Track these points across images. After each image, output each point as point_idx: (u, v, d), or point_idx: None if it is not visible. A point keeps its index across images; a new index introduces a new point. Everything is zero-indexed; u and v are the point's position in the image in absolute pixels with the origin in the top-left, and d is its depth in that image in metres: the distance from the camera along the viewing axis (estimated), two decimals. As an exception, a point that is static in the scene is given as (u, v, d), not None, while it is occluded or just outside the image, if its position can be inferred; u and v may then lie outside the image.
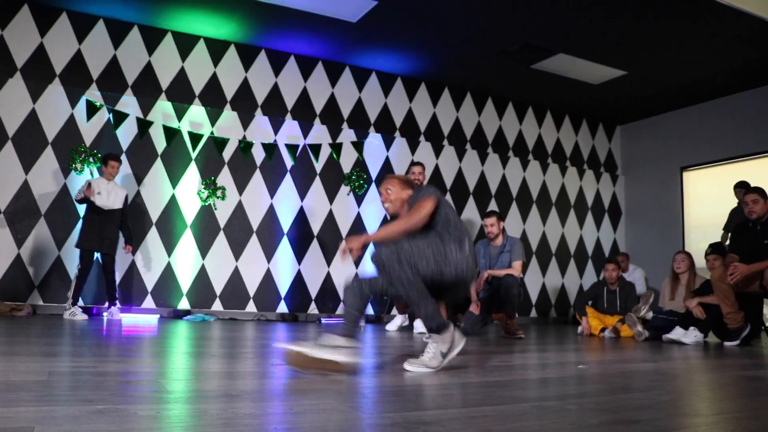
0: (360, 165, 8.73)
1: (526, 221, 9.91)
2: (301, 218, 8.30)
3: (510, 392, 2.56)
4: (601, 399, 2.48)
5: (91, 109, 7.33)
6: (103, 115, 7.43)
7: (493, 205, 9.52)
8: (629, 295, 7.08)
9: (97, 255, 6.82)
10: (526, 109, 10.24)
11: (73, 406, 1.94)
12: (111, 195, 6.69)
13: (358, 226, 8.58)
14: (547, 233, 10.09)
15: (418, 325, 6.49)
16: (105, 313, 6.89)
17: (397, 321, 6.55)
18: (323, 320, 7.73)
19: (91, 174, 7.28)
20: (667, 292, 7.08)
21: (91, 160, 7.30)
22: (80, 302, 6.78)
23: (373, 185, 8.76)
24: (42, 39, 7.32)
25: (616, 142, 11.14)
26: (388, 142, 8.99)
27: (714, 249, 6.68)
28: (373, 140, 8.89)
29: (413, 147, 9.16)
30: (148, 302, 7.46)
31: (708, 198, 9.73)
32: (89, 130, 7.38)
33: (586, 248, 10.47)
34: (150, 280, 7.50)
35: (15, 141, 7.06)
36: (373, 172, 8.82)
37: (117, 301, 6.86)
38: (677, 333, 6.05)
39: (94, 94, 7.43)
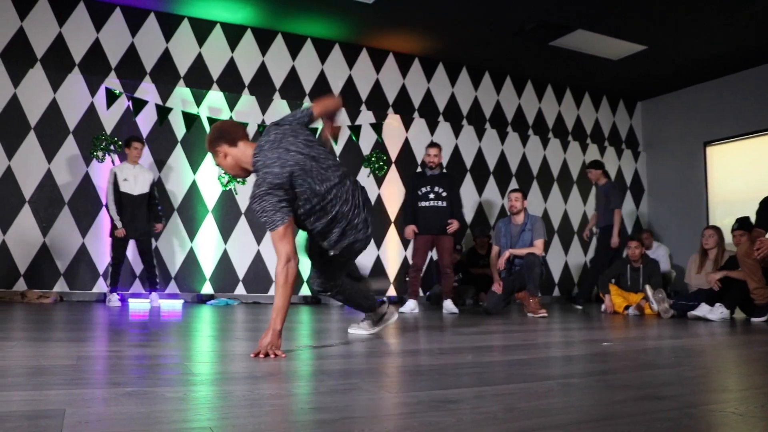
0: (379, 146, 8.70)
1: (547, 200, 9.84)
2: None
3: (534, 370, 2.55)
4: (626, 375, 2.47)
5: (111, 97, 7.36)
6: (123, 103, 7.47)
7: (513, 184, 9.46)
8: (653, 272, 7.02)
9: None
10: (546, 87, 10.14)
11: (103, 389, 1.97)
12: (138, 180, 6.70)
13: (379, 207, 8.58)
14: (568, 211, 10.02)
15: (448, 306, 6.50)
16: (146, 300, 6.94)
17: (410, 304, 6.54)
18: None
19: (113, 162, 7.33)
20: (694, 268, 7.02)
21: (111, 147, 7.35)
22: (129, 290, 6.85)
23: (393, 167, 8.74)
24: (60, 29, 7.35)
25: (637, 119, 11.00)
26: (407, 123, 8.95)
27: (741, 224, 6.59)
28: (392, 121, 8.86)
29: (432, 127, 9.11)
30: (172, 287, 7.53)
31: (732, 173, 9.60)
32: (109, 118, 7.42)
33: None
34: (173, 265, 7.56)
35: (37, 131, 7.12)
36: (393, 153, 8.80)
37: (158, 287, 6.90)
38: (703, 309, 5.99)
39: (113, 82, 7.47)
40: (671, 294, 6.99)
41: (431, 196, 6.67)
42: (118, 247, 6.63)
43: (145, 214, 6.75)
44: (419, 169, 7.54)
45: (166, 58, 7.80)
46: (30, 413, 1.58)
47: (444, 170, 7.16)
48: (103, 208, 7.18)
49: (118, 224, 6.53)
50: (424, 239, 6.67)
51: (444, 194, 6.67)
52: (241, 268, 7.84)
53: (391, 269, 8.61)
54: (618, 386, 2.20)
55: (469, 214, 9.21)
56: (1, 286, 6.84)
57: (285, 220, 2.86)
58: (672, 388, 2.17)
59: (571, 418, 1.68)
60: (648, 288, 6.65)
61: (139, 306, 6.50)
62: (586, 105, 10.49)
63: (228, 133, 3.02)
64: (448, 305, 6.53)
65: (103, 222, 7.23)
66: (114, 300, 6.54)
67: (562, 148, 10.11)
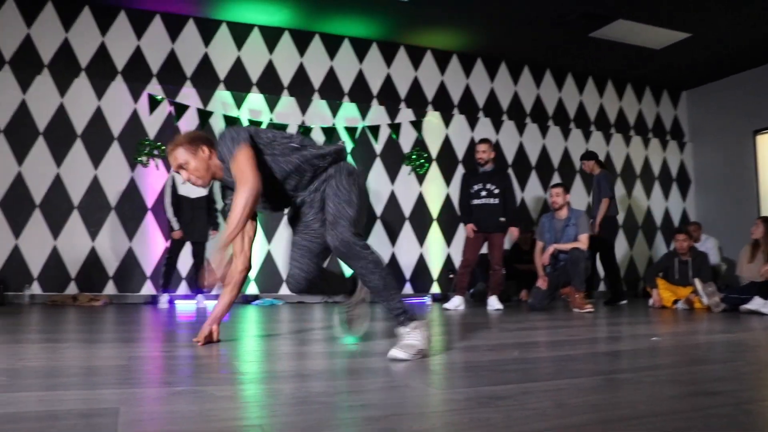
0: (420, 144, 8.69)
1: (590, 194, 9.70)
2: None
3: (581, 365, 2.52)
4: (676, 371, 2.42)
5: (153, 103, 7.49)
6: (165, 108, 7.59)
7: (556, 179, 9.35)
8: (702, 265, 6.87)
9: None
10: (587, 80, 9.99)
11: (154, 388, 2.00)
12: None
13: (421, 205, 8.56)
14: (613, 205, 9.86)
15: (493, 302, 6.46)
16: (193, 301, 7.05)
17: (456, 301, 6.51)
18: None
19: (157, 167, 7.45)
20: (745, 260, 6.86)
21: (155, 152, 7.47)
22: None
23: (434, 164, 8.71)
24: (103, 37, 7.51)
25: (682, 109, 10.78)
26: (447, 120, 8.92)
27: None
28: (432, 118, 8.83)
29: (472, 123, 9.06)
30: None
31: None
32: (152, 123, 7.55)
33: (654, 219, 10.20)
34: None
35: (84, 138, 7.28)
36: (433, 150, 8.77)
37: (205, 289, 6.99)
38: (756, 303, 5.84)
39: (155, 88, 7.59)
40: (722, 287, 6.83)
41: (483, 193, 6.64)
42: (176, 249, 6.74)
43: (204, 217, 6.85)
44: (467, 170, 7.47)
45: (205, 62, 7.90)
46: (85, 412, 1.61)
47: (498, 166, 7.07)
48: (149, 212, 7.32)
49: (175, 226, 6.65)
50: (476, 237, 6.64)
51: (496, 191, 6.62)
52: (285, 268, 7.88)
53: (434, 267, 8.58)
54: (669, 382, 2.16)
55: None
56: (54, 290, 7.03)
57: (244, 134, 2.84)
58: (726, 383, 2.12)
59: (622, 414, 1.65)
60: (698, 281, 6.52)
61: (185, 307, 6.60)
62: (629, 96, 10.31)
63: (208, 139, 3.05)
64: (493, 302, 6.49)
65: (150, 226, 7.36)
66: (164, 301, 6.66)
67: (604, 141, 9.95)
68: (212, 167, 3.02)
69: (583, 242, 6.35)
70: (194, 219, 6.74)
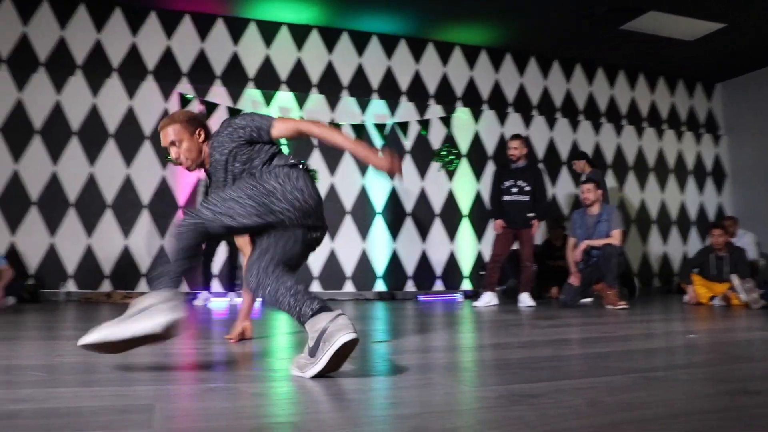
0: (449, 140, 8.65)
1: (622, 189, 9.59)
2: (393, 197, 8.32)
3: (615, 363, 2.48)
4: (714, 369, 2.37)
5: (184, 102, 7.56)
6: (195, 107, 7.66)
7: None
8: (740, 260, 6.74)
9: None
10: (617, 73, 9.86)
11: (188, 384, 2.02)
12: None
13: (451, 202, 8.53)
14: (646, 200, 9.73)
15: (525, 299, 6.42)
16: (226, 299, 7.09)
17: (486, 297, 6.48)
18: (420, 297, 7.74)
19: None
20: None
21: (187, 151, 7.53)
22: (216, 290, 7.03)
23: (464, 160, 8.67)
24: (134, 38, 7.60)
25: (716, 101, 10.59)
26: (477, 116, 8.87)
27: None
28: (461, 114, 8.79)
29: (502, 119, 9.00)
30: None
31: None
32: (184, 122, 7.60)
33: (688, 214, 10.04)
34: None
35: (116, 137, 7.38)
36: (463, 147, 8.73)
37: (237, 287, 7.03)
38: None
39: (185, 87, 7.66)
40: (761, 284, 6.70)
41: (514, 190, 6.61)
42: (211, 247, 6.77)
43: None
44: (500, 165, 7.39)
45: (235, 61, 7.95)
46: (121, 407, 1.63)
47: (530, 163, 7.01)
48: (181, 210, 7.40)
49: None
50: (506, 233, 6.62)
51: (527, 188, 6.59)
52: (316, 265, 7.92)
53: (465, 264, 8.55)
54: (707, 380, 2.12)
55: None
56: (88, 288, 7.14)
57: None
58: (766, 382, 2.08)
59: (659, 413, 1.62)
60: (735, 277, 6.39)
61: (218, 305, 6.65)
62: (661, 89, 10.16)
63: (204, 124, 2.97)
64: (525, 298, 6.44)
65: (181, 224, 7.42)
66: (202, 299, 6.71)
67: (636, 135, 9.82)
68: (203, 153, 2.94)
69: (615, 238, 6.28)
70: None
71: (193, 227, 2.43)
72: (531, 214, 6.55)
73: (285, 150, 2.35)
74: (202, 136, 2.93)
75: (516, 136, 6.77)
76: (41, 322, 4.33)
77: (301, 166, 2.75)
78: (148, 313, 2.23)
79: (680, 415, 1.58)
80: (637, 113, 9.90)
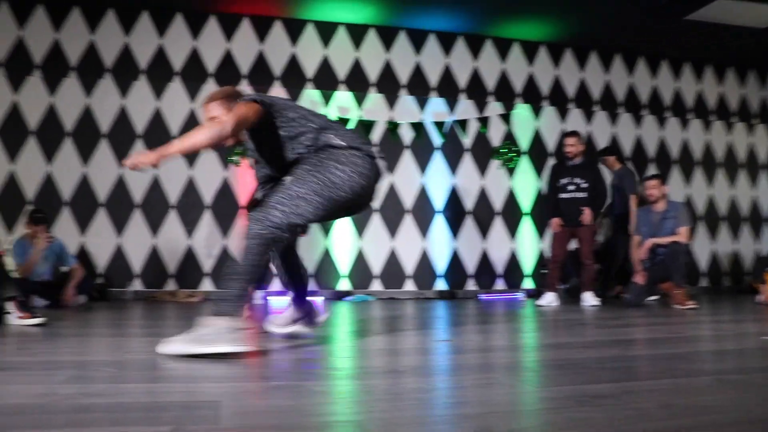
0: (509, 138, 8.56)
1: (689, 185, 9.32)
2: (453, 195, 8.28)
3: (685, 365, 2.41)
4: (794, 371, 2.28)
5: (246, 104, 7.65)
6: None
7: (652, 170, 9.01)
8: (815, 258, 6.48)
9: None
10: (683, 65, 9.58)
11: (254, 382, 2.04)
12: None
13: (511, 199, 8.44)
14: (715, 196, 9.43)
15: (588, 298, 6.31)
16: (286, 296, 7.17)
17: (548, 297, 6.39)
18: (481, 297, 7.68)
19: (250, 166, 7.63)
20: None
21: (248, 152, 7.64)
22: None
23: (525, 158, 8.57)
24: (195, 42, 7.75)
25: (788, 92, 10.18)
26: (537, 112, 8.75)
27: None
28: (521, 111, 8.68)
29: (563, 115, 8.86)
30: (311, 285, 7.74)
31: None
32: (245, 123, 7.73)
33: (761, 210, 9.69)
34: (311, 263, 7.78)
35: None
36: (524, 144, 8.62)
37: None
38: None
39: (245, 89, 7.77)
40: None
41: (570, 187, 6.52)
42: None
43: None
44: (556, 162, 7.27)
45: (293, 62, 8.03)
46: (188, 404, 1.65)
47: (587, 160, 6.89)
48: (242, 210, 7.52)
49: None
50: (563, 231, 6.54)
51: (584, 185, 6.49)
52: (376, 264, 7.94)
53: (527, 262, 8.45)
54: (785, 381, 2.04)
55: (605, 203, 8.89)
56: (154, 287, 7.33)
57: (261, 97, 2.79)
58: None
59: (734, 417, 1.56)
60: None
61: (279, 303, 6.72)
62: (730, 81, 9.81)
63: (243, 98, 2.95)
64: (588, 297, 6.33)
65: (243, 223, 7.54)
66: (258, 297, 6.82)
67: (704, 129, 9.52)
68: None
69: (682, 235, 6.10)
70: None
71: (261, 241, 2.58)
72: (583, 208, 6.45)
73: (341, 123, 2.32)
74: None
75: (572, 133, 6.67)
76: (110, 320, 4.46)
77: (362, 149, 2.76)
78: (216, 339, 2.49)
79: (759, 421, 1.52)
80: (704, 106, 9.60)
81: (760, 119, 9.86)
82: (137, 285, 7.33)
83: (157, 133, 7.49)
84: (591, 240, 6.53)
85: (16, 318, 3.88)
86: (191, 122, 7.58)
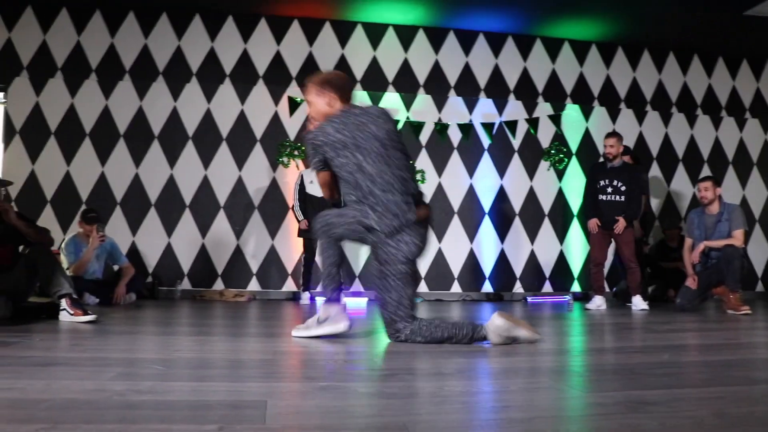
0: (559, 138, 8.45)
1: (745, 186, 9.06)
2: (501, 196, 8.21)
3: (740, 372, 2.33)
4: None
5: (293, 105, 7.73)
6: (304, 110, 7.82)
7: (706, 171, 8.79)
8: None
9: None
10: (740, 63, 9.31)
11: (299, 382, 2.05)
12: None
13: (560, 201, 8.33)
14: (771, 198, 9.15)
15: (637, 302, 6.19)
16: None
17: (596, 301, 6.29)
18: (529, 299, 7.60)
19: (297, 167, 7.70)
20: None
21: (296, 153, 7.71)
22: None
23: (574, 159, 8.45)
24: (245, 45, 7.85)
25: None
26: (587, 113, 8.62)
27: None
28: (571, 112, 8.56)
29: (613, 115, 8.70)
30: (357, 286, 7.78)
31: None
32: (292, 125, 7.81)
33: (818, 212, 9.36)
34: (357, 264, 7.80)
35: (228, 141, 7.66)
36: (573, 145, 8.50)
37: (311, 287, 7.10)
38: None
39: (294, 90, 7.84)
40: None
41: (609, 189, 6.41)
42: (308, 247, 6.92)
43: None
44: (601, 160, 7.13)
45: (342, 63, 8.07)
46: (235, 403, 1.67)
47: (627, 161, 6.77)
48: (290, 211, 7.58)
49: (299, 216, 6.86)
50: (601, 233, 6.43)
51: (623, 188, 6.37)
52: (423, 265, 7.91)
53: (575, 264, 8.33)
54: None
55: (656, 205, 8.71)
56: (203, 286, 7.44)
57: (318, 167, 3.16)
58: None
59: (794, 426, 1.51)
60: None
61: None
62: (789, 80, 9.51)
63: (345, 91, 3.08)
64: (637, 301, 6.20)
65: (290, 224, 7.61)
66: (305, 299, 6.86)
67: (762, 128, 9.24)
68: (325, 115, 3.08)
69: (737, 238, 5.93)
70: None
71: (327, 239, 3.23)
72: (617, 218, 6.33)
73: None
74: (331, 102, 3.09)
75: (612, 134, 6.56)
76: (159, 318, 4.53)
77: (403, 229, 3.15)
78: (328, 322, 3.25)
79: (818, 430, 1.46)
80: (762, 105, 9.31)
81: (820, 119, 9.52)
82: (186, 284, 7.45)
83: (205, 134, 7.61)
84: (630, 242, 6.39)
85: (68, 315, 3.97)
86: (239, 123, 7.68)
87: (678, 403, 1.73)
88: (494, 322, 3.02)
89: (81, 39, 7.54)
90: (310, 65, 7.96)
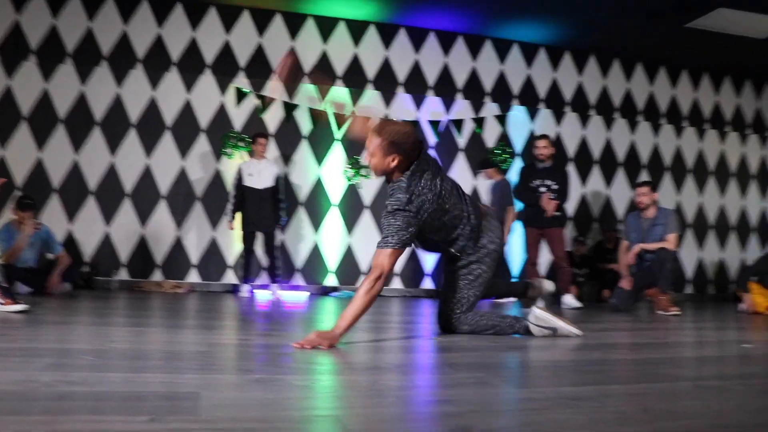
0: (504, 139, 8.56)
1: (680, 192, 9.35)
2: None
3: (666, 370, 2.41)
4: (771, 380, 2.29)
5: (240, 96, 7.65)
6: (251, 101, 7.75)
7: (644, 177, 9.04)
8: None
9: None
10: (680, 73, 9.60)
11: (234, 375, 2.04)
12: (263, 174, 6.90)
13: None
14: (704, 204, 9.47)
15: (568, 300, 6.33)
16: (267, 291, 7.15)
17: (566, 299, 6.43)
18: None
19: (241, 158, 7.62)
20: None
21: (241, 144, 7.63)
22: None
23: (519, 160, 8.57)
24: (194, 33, 7.72)
25: (786, 103, 10.19)
26: (533, 114, 8.76)
27: None
28: (517, 113, 8.69)
29: (559, 118, 8.87)
30: (298, 279, 7.75)
31: None
32: (238, 116, 7.73)
33: (749, 220, 9.73)
34: (299, 258, 7.77)
35: (173, 130, 7.53)
36: (518, 145, 8.63)
37: (279, 279, 7.08)
38: None
39: (242, 81, 7.76)
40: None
41: (542, 189, 6.53)
42: (248, 239, 6.87)
43: (270, 207, 6.92)
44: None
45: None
46: (168, 394, 1.64)
47: (557, 163, 6.95)
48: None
49: (228, 216, 6.84)
50: (533, 232, 6.57)
51: (554, 187, 6.51)
52: (364, 261, 7.94)
53: (514, 263, 8.46)
54: (761, 392, 2.04)
55: (595, 208, 8.91)
56: (140, 277, 7.30)
57: (398, 246, 2.92)
58: (830, 395, 1.99)
59: (712, 423, 1.56)
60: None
61: (263, 297, 6.72)
62: (726, 90, 9.83)
63: (407, 150, 3.02)
64: (568, 300, 6.35)
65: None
66: (244, 291, 6.80)
67: (697, 137, 9.55)
68: (389, 173, 3.07)
69: (670, 242, 6.11)
70: (261, 210, 6.81)
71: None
72: (558, 213, 6.51)
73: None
74: (395, 162, 3.01)
75: (544, 136, 6.74)
76: (94, 309, 4.44)
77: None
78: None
79: (734, 427, 1.52)
80: (699, 114, 9.62)
81: (753, 130, 9.89)
82: (123, 274, 7.30)
83: (152, 122, 7.46)
84: (562, 242, 6.55)
85: (-1, 304, 3.85)
86: (185, 112, 7.56)
87: (605, 399, 1.78)
88: (534, 314, 3.34)
89: (17, 18, 7.30)
90: (259, 56, 7.89)
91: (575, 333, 3.35)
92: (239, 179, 6.86)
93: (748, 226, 9.71)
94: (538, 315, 3.33)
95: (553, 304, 6.86)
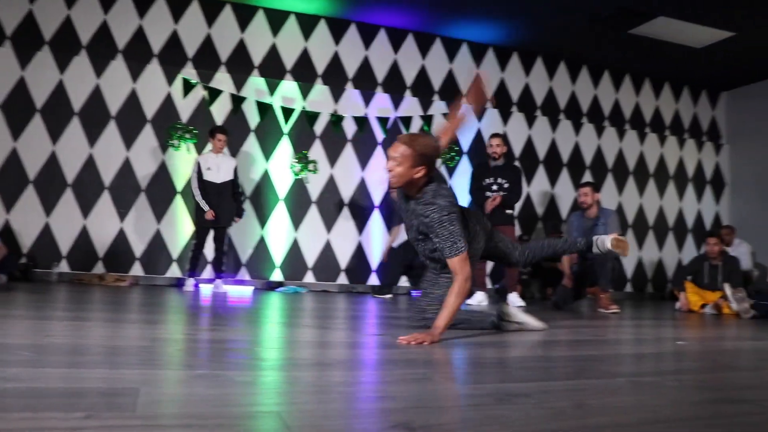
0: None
1: (622, 193, 9.59)
2: (391, 190, 8.31)
3: (604, 366, 2.48)
4: (702, 376, 2.37)
5: (187, 87, 7.54)
6: (199, 93, 7.64)
7: (587, 177, 9.25)
8: (733, 270, 6.75)
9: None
10: (623, 77, 9.85)
11: (175, 370, 2.02)
12: (221, 168, 6.80)
13: (448, 199, 8.52)
14: (644, 206, 9.74)
15: (513, 299, 6.43)
16: (212, 285, 7.07)
17: (477, 296, 6.50)
18: (414, 293, 7.75)
19: (188, 150, 7.51)
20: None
21: (187, 136, 7.53)
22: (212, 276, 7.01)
23: (465, 158, 8.66)
24: (141, 21, 7.58)
25: (720, 110, 10.57)
26: (480, 114, 8.86)
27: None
28: (465, 112, 8.75)
29: (505, 118, 8.99)
30: (243, 274, 7.68)
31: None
32: (185, 107, 7.61)
33: (685, 221, 10.05)
34: (244, 252, 7.71)
35: (117, 120, 7.37)
36: (465, 143, 8.72)
37: (224, 273, 7.00)
38: (787, 310, 5.73)
39: (189, 72, 7.65)
40: (752, 294, 6.71)
41: (494, 187, 6.63)
42: (202, 233, 6.75)
43: (229, 201, 6.82)
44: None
45: (241, 48, 7.94)
46: (106, 390, 1.62)
47: (509, 161, 7.07)
48: (178, 196, 7.40)
49: (205, 207, 6.63)
50: None
51: (506, 185, 6.62)
52: (310, 256, 7.92)
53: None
54: (693, 387, 2.12)
55: (540, 208, 9.07)
56: (81, 269, 7.14)
57: (466, 246, 3.17)
58: (754, 391, 2.07)
59: (644, 418, 1.62)
60: (727, 286, 6.40)
61: (208, 291, 6.65)
62: (666, 96, 10.14)
63: (432, 163, 3.24)
64: (513, 298, 6.45)
65: (178, 209, 7.43)
66: (189, 285, 6.71)
67: (639, 140, 9.82)
68: (411, 183, 3.22)
69: (612, 242, 6.26)
70: (220, 204, 6.72)
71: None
72: (509, 211, 6.65)
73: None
74: (421, 173, 3.18)
75: (497, 134, 6.84)
76: (32, 302, 4.33)
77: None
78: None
79: (666, 421, 1.58)
80: (640, 118, 9.90)
81: (690, 134, 10.21)
82: (64, 266, 7.13)
83: (95, 111, 7.30)
84: (512, 239, 6.65)
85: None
86: (130, 102, 7.41)
87: (543, 395, 1.82)
88: (502, 309, 3.64)
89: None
90: (208, 47, 7.79)
91: (541, 327, 3.69)
92: (200, 172, 6.72)
93: (686, 227, 10.02)
94: (506, 311, 3.63)
95: (499, 302, 6.97)
